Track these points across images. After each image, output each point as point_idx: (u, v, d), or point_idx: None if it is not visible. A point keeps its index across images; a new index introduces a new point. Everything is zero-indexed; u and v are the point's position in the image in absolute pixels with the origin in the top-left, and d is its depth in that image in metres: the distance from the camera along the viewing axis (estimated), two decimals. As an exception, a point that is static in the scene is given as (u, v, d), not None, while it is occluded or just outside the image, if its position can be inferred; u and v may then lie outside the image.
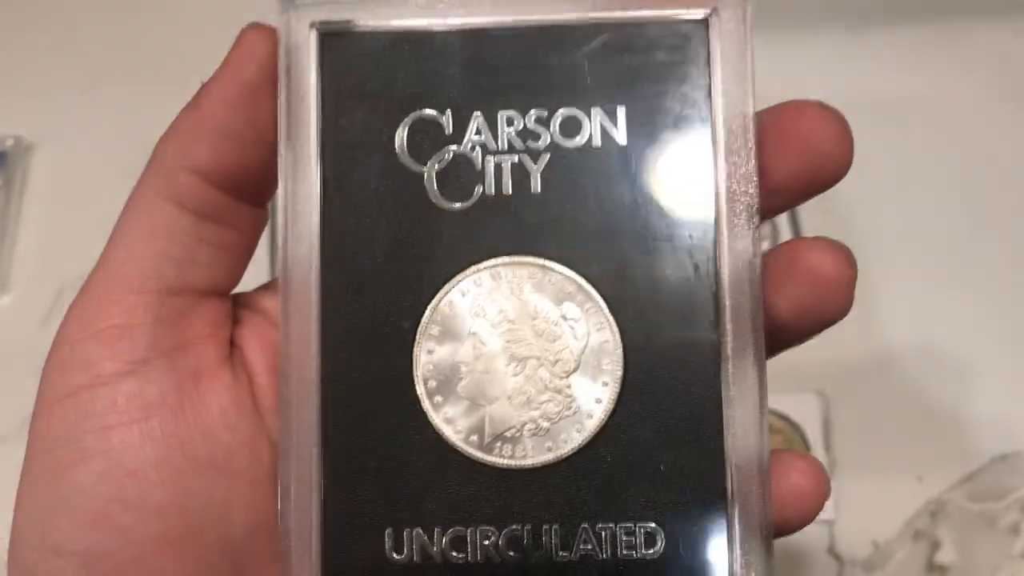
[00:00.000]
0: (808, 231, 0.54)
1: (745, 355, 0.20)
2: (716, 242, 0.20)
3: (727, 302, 0.20)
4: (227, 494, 0.21)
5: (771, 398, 0.51)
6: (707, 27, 0.20)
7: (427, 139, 0.21)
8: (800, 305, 0.21)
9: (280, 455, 0.21)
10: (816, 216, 0.54)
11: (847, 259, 0.21)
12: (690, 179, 0.21)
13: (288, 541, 0.21)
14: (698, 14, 0.20)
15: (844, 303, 0.21)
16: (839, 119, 0.21)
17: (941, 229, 0.55)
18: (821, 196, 0.49)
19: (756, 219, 0.20)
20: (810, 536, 0.48)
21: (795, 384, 0.51)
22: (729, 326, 0.20)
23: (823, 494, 0.21)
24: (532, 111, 0.21)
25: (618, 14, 0.20)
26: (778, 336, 0.22)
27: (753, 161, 0.20)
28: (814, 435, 0.50)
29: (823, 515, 0.46)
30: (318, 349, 0.21)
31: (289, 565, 0.21)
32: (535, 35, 0.21)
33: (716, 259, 0.20)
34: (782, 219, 0.54)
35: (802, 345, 0.54)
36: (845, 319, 0.51)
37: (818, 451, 0.49)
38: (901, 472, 0.49)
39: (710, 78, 0.20)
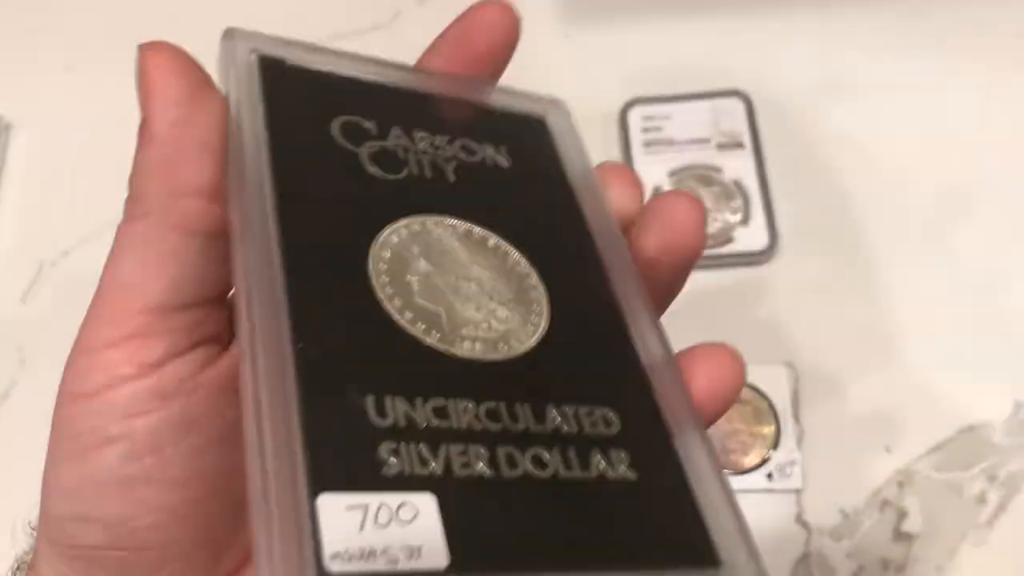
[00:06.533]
0: (779, 208, 0.56)
1: (628, 281, 0.26)
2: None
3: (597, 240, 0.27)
4: (232, 464, 0.24)
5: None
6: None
7: (357, 135, 0.26)
8: (664, 241, 0.27)
9: (243, 367, 0.21)
10: (785, 191, 0.56)
11: (696, 204, 0.27)
12: (560, 205, 0.28)
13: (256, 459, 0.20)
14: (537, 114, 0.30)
15: (699, 238, 0.27)
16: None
17: (908, 202, 0.56)
18: (789, 177, 0.53)
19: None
20: (779, 504, 0.49)
21: (765, 355, 0.52)
22: (609, 263, 0.27)
23: (741, 379, 0.25)
24: (437, 136, 0.27)
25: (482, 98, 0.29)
26: (652, 270, 0.27)
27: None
28: (783, 405, 0.51)
29: (791, 483, 0.49)
30: (282, 275, 0.22)
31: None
32: (427, 99, 0.28)
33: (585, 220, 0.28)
34: (755, 198, 0.56)
35: (772, 317, 0.56)
36: (815, 290, 0.54)
37: (787, 421, 0.50)
38: (869, 442, 0.50)
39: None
